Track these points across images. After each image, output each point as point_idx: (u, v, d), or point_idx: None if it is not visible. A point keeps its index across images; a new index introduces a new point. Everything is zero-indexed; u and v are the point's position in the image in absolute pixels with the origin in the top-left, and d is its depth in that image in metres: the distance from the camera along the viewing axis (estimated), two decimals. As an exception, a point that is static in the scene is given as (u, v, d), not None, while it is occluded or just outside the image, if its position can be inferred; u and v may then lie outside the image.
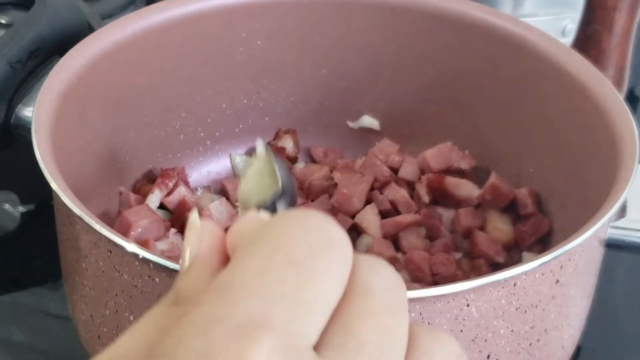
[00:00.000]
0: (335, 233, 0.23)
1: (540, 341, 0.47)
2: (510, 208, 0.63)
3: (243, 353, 0.20)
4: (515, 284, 0.43)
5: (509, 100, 0.63)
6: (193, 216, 0.25)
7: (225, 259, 0.24)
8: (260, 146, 0.34)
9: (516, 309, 0.44)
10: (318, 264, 0.22)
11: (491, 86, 0.64)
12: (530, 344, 0.46)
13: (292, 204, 0.30)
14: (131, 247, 0.42)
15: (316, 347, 0.22)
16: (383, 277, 0.23)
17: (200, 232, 0.25)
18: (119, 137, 0.61)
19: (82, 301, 0.50)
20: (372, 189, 0.65)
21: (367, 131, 0.71)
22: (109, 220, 0.59)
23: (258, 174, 0.31)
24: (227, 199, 0.64)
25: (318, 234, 0.23)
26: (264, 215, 0.25)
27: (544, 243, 0.61)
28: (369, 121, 0.71)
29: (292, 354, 0.20)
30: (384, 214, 0.63)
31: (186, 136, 0.67)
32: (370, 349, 0.22)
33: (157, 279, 0.43)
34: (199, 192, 0.66)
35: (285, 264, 0.22)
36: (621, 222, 0.53)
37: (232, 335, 0.20)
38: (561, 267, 0.45)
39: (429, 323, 0.42)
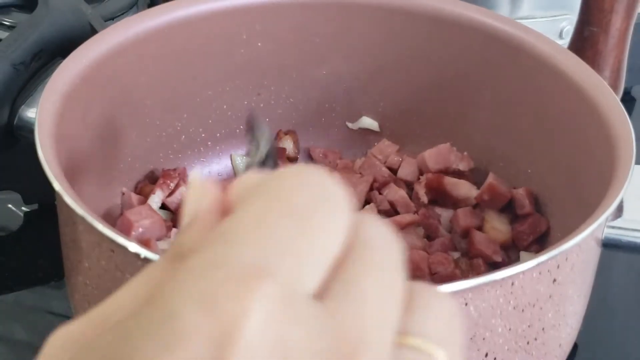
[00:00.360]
0: (334, 187, 0.23)
1: (538, 340, 0.47)
2: (508, 208, 0.63)
3: (243, 297, 0.20)
4: (513, 283, 0.44)
5: (507, 102, 0.64)
6: (194, 175, 0.25)
7: (227, 215, 0.24)
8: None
9: (514, 307, 0.44)
10: (317, 214, 0.22)
11: (489, 88, 0.65)
12: (528, 343, 0.47)
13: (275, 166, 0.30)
14: (133, 246, 0.42)
15: (317, 296, 0.22)
16: (383, 235, 0.24)
17: (201, 190, 0.24)
18: (121, 138, 0.62)
19: (84, 300, 0.50)
20: (371, 189, 0.65)
21: (367, 132, 0.71)
22: (111, 220, 0.60)
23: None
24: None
25: (317, 186, 0.23)
26: (265, 172, 0.25)
27: (541, 243, 0.61)
28: (368, 122, 0.71)
29: (291, 300, 0.20)
30: (383, 214, 0.64)
31: (187, 137, 0.67)
32: (371, 300, 0.22)
33: (159, 278, 0.43)
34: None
35: (285, 214, 0.22)
36: (618, 222, 0.54)
37: (232, 280, 0.20)
38: (558, 266, 0.46)
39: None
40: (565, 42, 0.81)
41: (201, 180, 0.24)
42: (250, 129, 0.40)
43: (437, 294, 0.25)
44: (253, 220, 0.22)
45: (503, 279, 0.43)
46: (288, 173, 0.23)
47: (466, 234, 0.62)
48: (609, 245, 0.53)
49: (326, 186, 0.23)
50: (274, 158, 0.29)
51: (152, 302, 0.20)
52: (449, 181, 0.64)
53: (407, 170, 0.67)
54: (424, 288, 0.25)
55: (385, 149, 0.69)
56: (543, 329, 0.47)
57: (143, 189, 0.63)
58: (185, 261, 0.21)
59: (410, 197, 0.65)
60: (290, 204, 0.22)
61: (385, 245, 0.24)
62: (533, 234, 0.61)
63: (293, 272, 0.21)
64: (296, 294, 0.21)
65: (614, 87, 0.72)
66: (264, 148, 0.30)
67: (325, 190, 0.23)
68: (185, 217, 0.24)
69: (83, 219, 0.44)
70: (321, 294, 0.22)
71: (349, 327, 0.21)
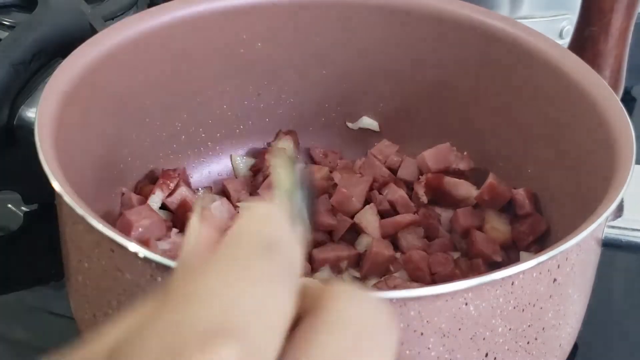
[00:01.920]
0: (296, 253, 0.23)
1: (538, 339, 0.47)
2: (508, 208, 0.63)
3: (206, 353, 0.20)
4: (513, 283, 0.44)
5: (507, 102, 0.64)
6: (194, 218, 0.25)
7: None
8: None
9: (514, 307, 0.44)
10: (280, 284, 0.22)
11: (489, 87, 0.65)
12: (528, 343, 0.47)
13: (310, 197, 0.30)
14: (133, 246, 0.43)
15: None
16: (361, 312, 0.23)
17: (197, 232, 0.25)
18: (121, 138, 0.62)
19: (84, 300, 0.50)
20: (371, 189, 0.65)
21: (367, 132, 0.71)
22: (111, 220, 0.60)
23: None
24: (228, 199, 0.64)
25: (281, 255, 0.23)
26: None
27: (541, 243, 0.61)
28: (368, 122, 0.71)
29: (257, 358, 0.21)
30: (383, 214, 0.64)
31: (187, 137, 0.67)
32: None
33: (159, 278, 0.43)
34: (200, 192, 0.67)
35: (245, 283, 0.22)
36: (618, 222, 0.54)
37: (195, 337, 0.20)
38: (558, 266, 0.46)
39: (427, 322, 0.42)
40: (565, 42, 0.81)
41: (198, 224, 0.25)
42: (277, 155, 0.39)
43: None
44: (216, 283, 0.22)
45: (503, 279, 0.43)
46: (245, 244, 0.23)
47: (466, 234, 0.62)
48: (609, 245, 0.53)
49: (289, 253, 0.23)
50: (310, 200, 0.29)
51: (117, 357, 0.21)
52: (449, 181, 0.64)
53: (407, 170, 0.67)
54: None
55: (385, 149, 0.69)
56: (543, 328, 0.47)
57: (143, 189, 0.63)
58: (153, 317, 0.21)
59: (410, 197, 0.65)
60: (254, 271, 0.22)
61: (361, 325, 0.23)
62: (533, 234, 0.61)
63: (256, 336, 0.21)
64: (262, 352, 0.21)
65: (614, 87, 0.72)
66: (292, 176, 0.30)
67: (289, 259, 0.23)
68: (181, 259, 0.24)
69: (83, 219, 0.44)
70: None
71: None
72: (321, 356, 0.22)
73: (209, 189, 0.68)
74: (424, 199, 0.64)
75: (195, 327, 0.20)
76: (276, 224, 0.24)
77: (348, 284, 0.24)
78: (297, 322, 0.23)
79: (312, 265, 0.61)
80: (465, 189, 0.64)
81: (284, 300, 0.22)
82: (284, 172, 0.29)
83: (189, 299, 0.21)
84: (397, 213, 0.64)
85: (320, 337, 0.22)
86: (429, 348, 0.43)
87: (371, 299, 0.24)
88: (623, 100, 0.60)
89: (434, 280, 0.59)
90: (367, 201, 0.64)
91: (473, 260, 0.60)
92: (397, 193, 0.64)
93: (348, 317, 0.23)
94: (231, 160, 0.70)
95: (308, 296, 0.23)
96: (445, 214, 0.64)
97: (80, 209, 0.44)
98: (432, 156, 0.66)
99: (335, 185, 0.65)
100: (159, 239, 0.58)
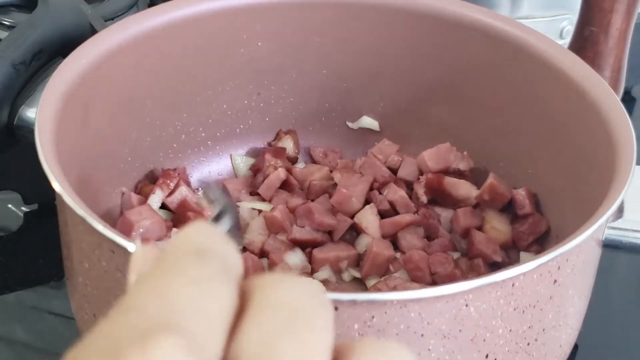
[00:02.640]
0: (230, 251, 0.24)
1: (538, 341, 0.47)
2: (508, 208, 0.63)
3: (148, 347, 0.20)
4: (513, 284, 0.44)
5: (507, 102, 0.64)
6: (135, 245, 0.26)
7: None
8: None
9: (514, 309, 0.44)
10: (214, 281, 0.23)
11: (489, 87, 0.65)
12: (528, 344, 0.47)
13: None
14: (134, 247, 0.43)
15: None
16: (290, 295, 0.23)
17: (143, 255, 0.26)
18: (121, 138, 0.62)
19: (84, 300, 0.50)
20: (371, 189, 0.65)
21: (367, 132, 0.71)
22: (112, 220, 0.60)
23: None
24: (228, 199, 0.64)
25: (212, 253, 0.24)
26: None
27: (541, 243, 0.61)
28: (368, 122, 0.71)
29: (198, 353, 0.21)
30: (383, 214, 0.64)
31: (187, 136, 0.67)
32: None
33: (159, 279, 0.43)
34: (200, 192, 0.67)
35: (179, 284, 0.22)
36: (618, 223, 0.54)
37: (136, 333, 0.21)
38: (559, 267, 0.46)
39: (427, 323, 0.42)
40: (565, 42, 0.81)
41: (141, 247, 0.26)
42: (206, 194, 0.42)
43: (386, 347, 0.24)
44: (155, 289, 0.22)
45: (503, 280, 0.43)
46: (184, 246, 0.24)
47: (466, 234, 0.62)
48: (610, 246, 0.53)
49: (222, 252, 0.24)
50: (231, 215, 0.32)
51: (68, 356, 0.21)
52: (449, 181, 0.64)
53: (407, 170, 0.67)
54: (367, 344, 0.24)
55: (385, 148, 0.69)
56: (543, 329, 0.47)
57: (143, 189, 0.63)
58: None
59: (410, 197, 0.65)
60: (187, 274, 0.23)
61: (289, 307, 0.23)
62: (533, 234, 0.61)
63: (197, 330, 0.21)
64: (204, 346, 0.21)
65: (614, 87, 0.72)
66: (217, 207, 0.33)
67: (221, 258, 0.24)
68: (131, 283, 0.25)
69: (83, 220, 0.44)
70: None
71: None
72: (253, 340, 0.22)
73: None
74: (424, 199, 0.64)
75: (133, 329, 0.21)
76: (207, 234, 0.24)
77: (277, 273, 0.25)
78: None
79: (312, 265, 0.61)
80: (465, 189, 0.64)
81: (221, 297, 0.23)
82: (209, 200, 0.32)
83: (127, 308, 0.22)
84: (397, 213, 0.64)
85: (250, 322, 0.23)
86: (429, 349, 0.43)
87: (301, 282, 0.24)
88: (623, 100, 0.60)
89: (434, 280, 0.59)
90: (367, 201, 0.64)
91: (473, 260, 0.60)
92: (397, 193, 0.64)
93: (277, 301, 0.23)
94: (231, 159, 0.70)
95: (246, 292, 0.24)
96: (445, 214, 0.64)
97: (80, 210, 0.44)
98: (432, 156, 0.66)
99: (335, 185, 0.65)
100: (159, 239, 0.58)
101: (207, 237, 0.24)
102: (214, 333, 0.22)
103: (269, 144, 0.70)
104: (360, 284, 0.61)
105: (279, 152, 0.68)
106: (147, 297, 0.22)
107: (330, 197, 0.64)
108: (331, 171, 0.68)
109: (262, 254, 0.61)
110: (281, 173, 0.66)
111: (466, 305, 0.43)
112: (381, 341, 0.24)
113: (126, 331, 0.21)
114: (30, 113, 0.61)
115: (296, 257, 0.61)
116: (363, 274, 0.60)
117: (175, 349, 0.20)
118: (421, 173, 0.66)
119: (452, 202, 0.64)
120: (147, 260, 0.25)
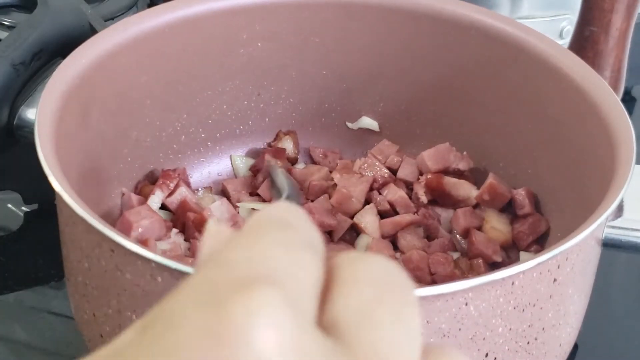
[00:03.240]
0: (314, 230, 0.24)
1: (538, 339, 0.47)
2: (508, 208, 0.63)
3: (248, 298, 0.20)
4: (513, 283, 0.44)
5: (507, 102, 0.64)
6: (211, 223, 0.26)
7: None
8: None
9: (514, 307, 0.44)
10: (305, 249, 0.23)
11: (489, 87, 0.65)
12: (528, 343, 0.47)
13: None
14: (134, 246, 0.43)
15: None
16: (376, 269, 0.23)
17: (216, 233, 0.25)
18: (121, 138, 0.62)
19: (84, 300, 0.50)
20: (371, 189, 0.65)
21: (367, 132, 0.71)
22: (111, 220, 0.60)
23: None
24: (228, 199, 0.64)
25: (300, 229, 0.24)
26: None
27: (541, 243, 0.61)
28: (368, 122, 0.71)
29: (296, 307, 0.20)
30: (382, 214, 0.64)
31: (187, 137, 0.67)
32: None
33: (159, 278, 0.43)
34: (200, 192, 0.67)
35: (272, 245, 0.22)
36: (618, 222, 0.54)
37: (236, 284, 0.20)
38: (559, 266, 0.46)
39: (427, 322, 0.42)
40: (565, 42, 0.81)
41: (217, 226, 0.25)
42: (272, 181, 0.45)
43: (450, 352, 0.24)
44: (247, 250, 0.22)
45: (503, 279, 0.43)
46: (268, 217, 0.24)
47: (466, 234, 0.62)
48: (609, 245, 0.53)
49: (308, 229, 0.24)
50: (297, 201, 0.31)
51: (155, 309, 0.21)
52: (449, 181, 0.64)
53: (407, 170, 0.67)
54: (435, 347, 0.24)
55: (385, 149, 0.69)
56: (543, 328, 0.47)
57: (143, 189, 0.63)
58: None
59: (410, 197, 0.65)
60: (277, 238, 0.23)
61: (377, 282, 0.23)
62: (533, 234, 0.61)
63: (293, 290, 0.21)
64: (300, 305, 0.21)
65: (614, 87, 0.72)
66: (284, 192, 0.33)
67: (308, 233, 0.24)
68: (200, 259, 0.25)
69: (83, 219, 0.44)
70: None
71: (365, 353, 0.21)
72: (352, 307, 0.22)
73: (208, 189, 0.68)
74: (424, 199, 0.64)
75: (232, 282, 0.20)
76: (291, 210, 0.24)
77: (357, 252, 0.24)
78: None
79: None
80: (465, 189, 0.64)
81: (312, 265, 0.22)
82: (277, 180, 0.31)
83: (217, 263, 0.21)
84: (397, 213, 0.64)
85: (346, 292, 0.22)
86: (429, 348, 0.43)
87: (384, 260, 0.24)
88: (623, 100, 0.60)
89: (433, 280, 0.59)
90: (367, 201, 0.64)
91: (473, 260, 0.60)
92: (397, 193, 0.64)
93: (369, 275, 0.23)
94: (231, 160, 0.70)
95: (330, 270, 0.24)
96: (445, 214, 0.64)
97: (80, 209, 0.44)
98: (432, 156, 0.66)
99: (335, 185, 0.65)
100: (158, 239, 0.58)
101: (291, 213, 0.24)
102: (308, 294, 0.22)
103: (269, 145, 0.70)
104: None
105: (279, 153, 0.68)
106: (238, 254, 0.22)
107: (330, 197, 0.64)
108: (331, 171, 0.68)
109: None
110: (281, 173, 0.66)
111: (466, 304, 0.43)
112: (363, 253, 0.25)
113: (224, 283, 0.20)
114: (30, 113, 0.61)
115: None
116: (363, 274, 0.60)
117: (278, 300, 0.20)
118: (421, 173, 0.66)
119: (452, 202, 0.64)
120: (220, 237, 0.24)
